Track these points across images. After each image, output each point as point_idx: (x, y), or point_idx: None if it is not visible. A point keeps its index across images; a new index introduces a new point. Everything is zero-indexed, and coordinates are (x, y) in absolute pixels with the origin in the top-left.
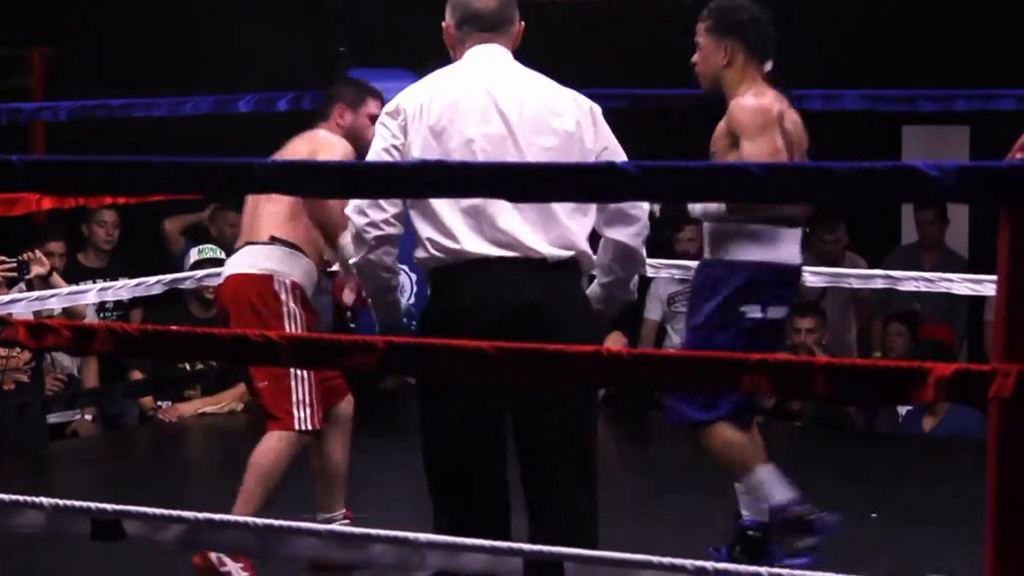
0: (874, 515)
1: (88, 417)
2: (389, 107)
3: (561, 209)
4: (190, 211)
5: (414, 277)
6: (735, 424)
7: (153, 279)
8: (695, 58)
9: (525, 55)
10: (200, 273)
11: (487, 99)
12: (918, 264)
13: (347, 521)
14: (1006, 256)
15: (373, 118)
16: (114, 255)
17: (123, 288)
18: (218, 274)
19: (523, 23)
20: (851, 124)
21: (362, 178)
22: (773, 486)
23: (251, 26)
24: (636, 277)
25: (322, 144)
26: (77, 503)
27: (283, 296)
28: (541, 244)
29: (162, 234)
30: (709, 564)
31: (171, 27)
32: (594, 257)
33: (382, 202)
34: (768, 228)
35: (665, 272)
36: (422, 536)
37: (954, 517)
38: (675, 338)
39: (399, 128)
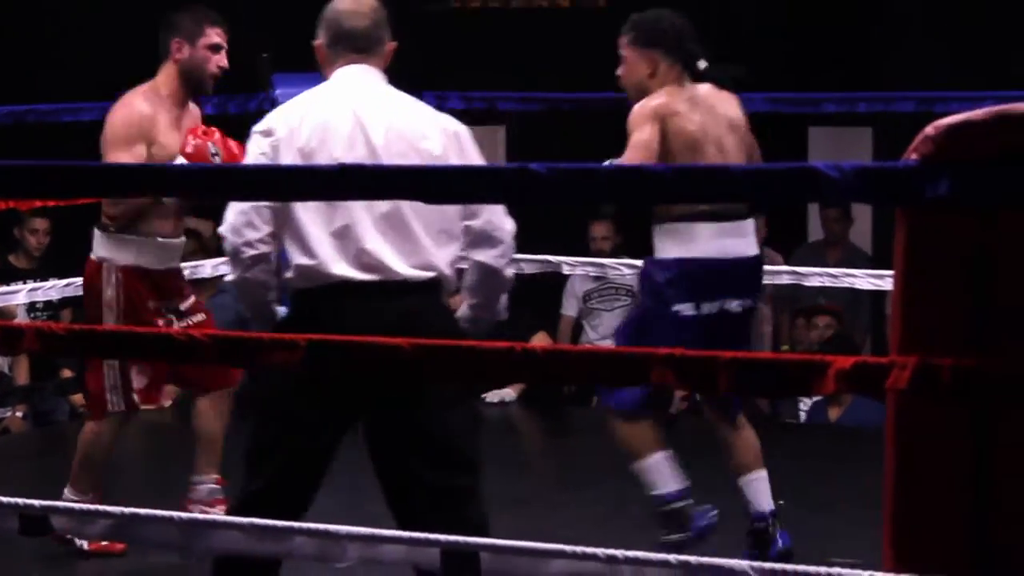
0: (781, 502)
1: (19, 414)
2: (262, 126)
3: (424, 232)
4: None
5: None
6: (649, 411)
7: (81, 280)
8: (620, 71)
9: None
10: None
11: (354, 122)
12: (824, 260)
13: (218, 487)
14: (902, 253)
15: (213, 47)
16: (44, 257)
17: (53, 288)
18: None
19: (394, 43)
20: (760, 126)
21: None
22: (658, 476)
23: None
24: (504, 297)
25: (112, 114)
26: (5, 499)
27: (104, 284)
28: (403, 267)
29: (58, 243)
30: (619, 552)
31: (91, 33)
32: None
33: (256, 221)
34: (684, 224)
35: (580, 269)
36: (342, 528)
37: (857, 503)
38: (591, 334)
39: (270, 147)
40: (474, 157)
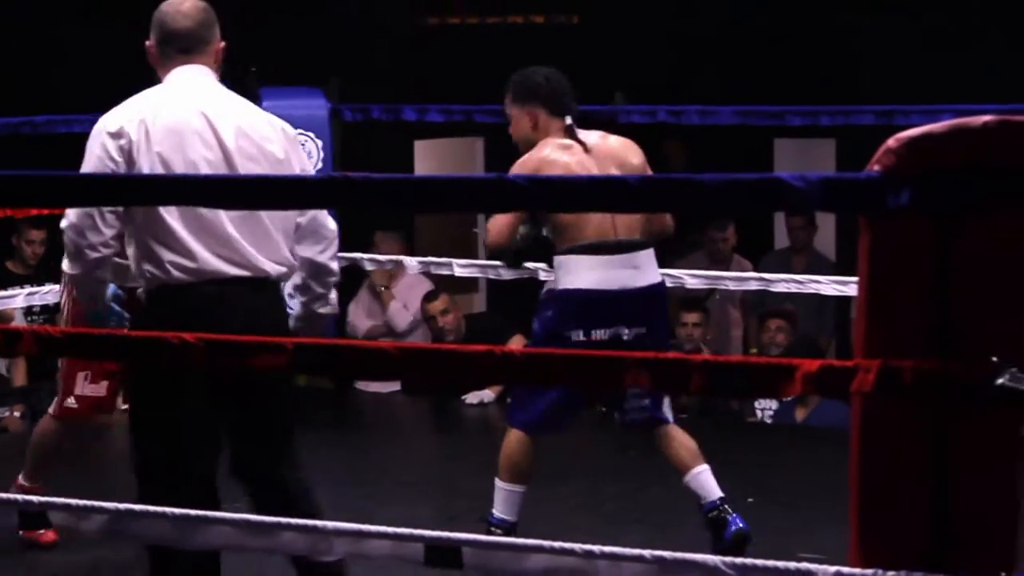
0: (750, 500)
1: (17, 414)
2: (111, 127)
3: (275, 229)
4: None
5: None
6: (536, 432)
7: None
8: (510, 129)
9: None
10: None
11: (204, 123)
12: (789, 267)
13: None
14: (865, 260)
15: None
16: (41, 263)
17: (49, 293)
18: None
19: (224, 43)
20: (727, 138)
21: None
22: (506, 503)
23: None
24: (334, 292)
25: None
26: (5, 495)
27: (63, 296)
28: (265, 262)
29: (53, 249)
30: (596, 548)
31: (92, 52)
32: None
33: (100, 224)
34: (569, 258)
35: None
36: (330, 524)
37: (823, 501)
38: None
39: (119, 150)
40: (305, 159)
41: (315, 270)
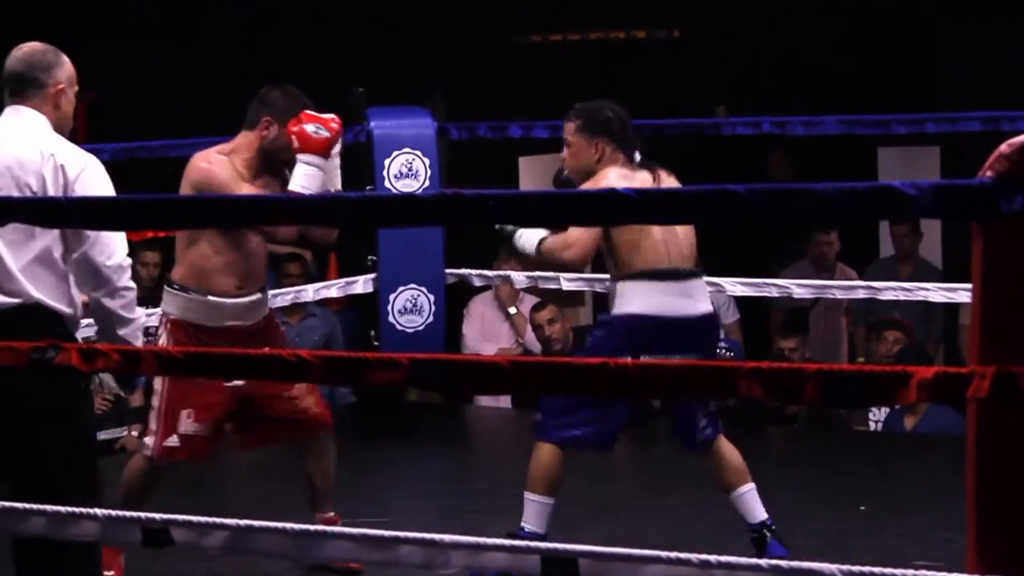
0: (862, 508)
1: (135, 433)
2: None
3: (12, 258)
4: None
5: (432, 297)
6: (577, 448)
7: None
8: (565, 154)
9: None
10: None
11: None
12: (896, 275)
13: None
14: (979, 266)
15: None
16: (158, 284)
17: (153, 316)
18: None
19: (61, 86)
20: (831, 147)
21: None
22: (537, 516)
23: (271, 72)
24: (130, 330)
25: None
26: (128, 513)
27: (161, 331)
28: None
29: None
30: (712, 557)
31: (197, 75)
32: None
33: None
34: (625, 284)
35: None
36: (447, 537)
37: (935, 508)
38: None
39: None
40: (82, 188)
41: (95, 309)
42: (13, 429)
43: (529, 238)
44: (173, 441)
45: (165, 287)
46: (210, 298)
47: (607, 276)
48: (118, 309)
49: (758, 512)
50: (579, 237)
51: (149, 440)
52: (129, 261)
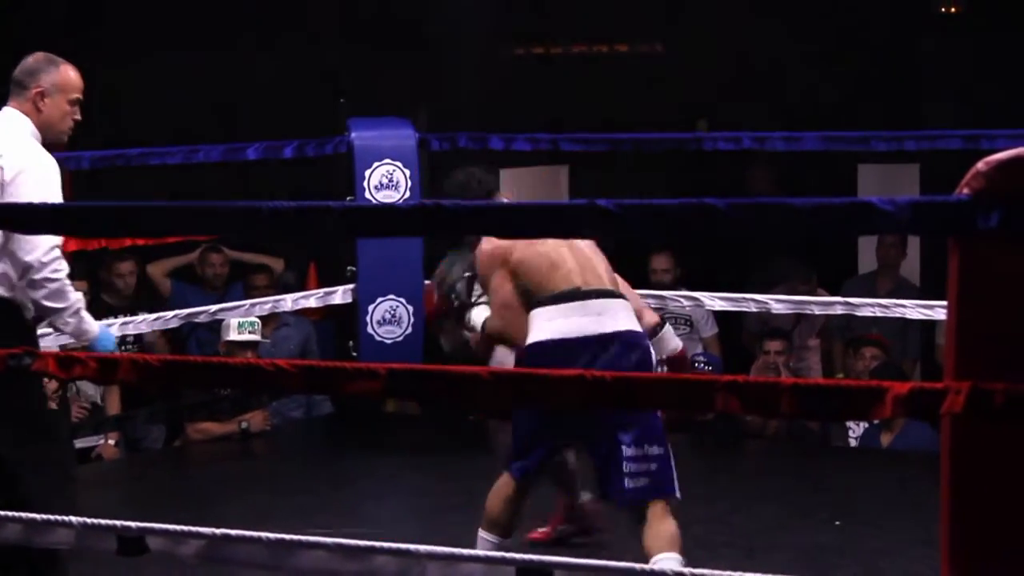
0: (838, 523)
1: (112, 442)
2: None
3: None
4: (176, 254)
5: (411, 309)
6: (524, 483)
7: (170, 314)
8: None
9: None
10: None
11: None
12: (874, 292)
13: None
14: (955, 282)
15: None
16: (136, 293)
17: (143, 323)
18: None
19: (40, 89)
20: (812, 163)
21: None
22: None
23: (255, 82)
24: (76, 321)
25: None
26: (104, 521)
27: None
28: None
29: (147, 279)
30: (688, 570)
31: (185, 85)
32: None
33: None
34: (535, 312)
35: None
36: (422, 548)
37: (911, 524)
38: None
39: None
40: (17, 192)
41: (34, 304)
42: None
43: (476, 319)
44: None
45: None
46: None
47: None
48: (42, 300)
49: None
50: (495, 305)
51: None
52: (55, 254)
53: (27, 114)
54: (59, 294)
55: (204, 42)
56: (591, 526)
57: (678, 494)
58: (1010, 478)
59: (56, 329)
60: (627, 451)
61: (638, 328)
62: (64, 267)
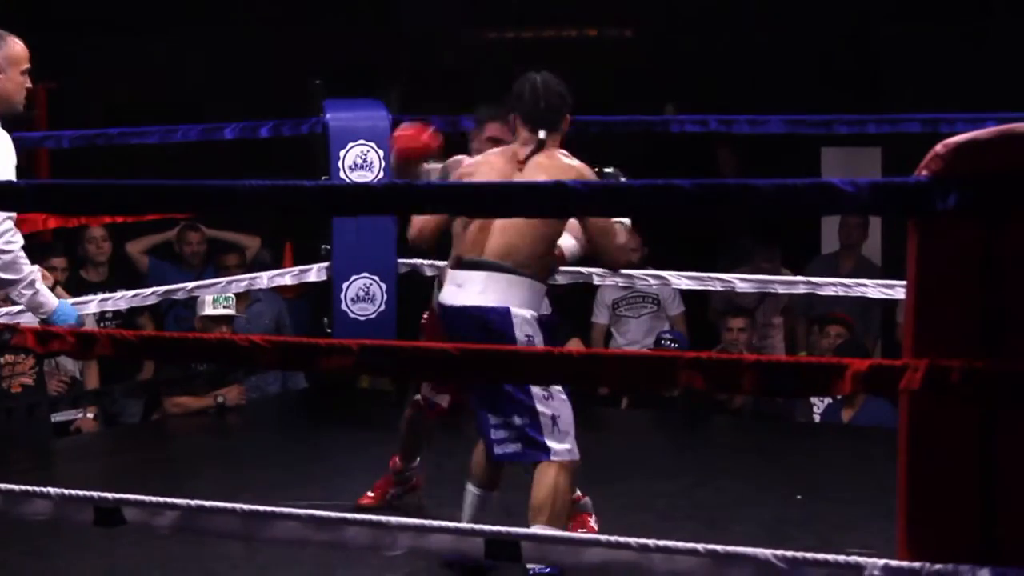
0: (799, 496)
1: (90, 415)
2: None
3: None
4: (155, 232)
5: (384, 286)
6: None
7: (148, 291)
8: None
9: None
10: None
11: None
12: (836, 271)
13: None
14: (913, 261)
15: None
16: (113, 270)
17: (122, 299)
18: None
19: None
20: (776, 146)
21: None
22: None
23: (234, 63)
24: (32, 295)
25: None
26: (81, 492)
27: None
28: None
29: (126, 256)
30: (651, 541)
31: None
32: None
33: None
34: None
35: (610, 280)
36: (393, 519)
37: (870, 498)
38: (619, 340)
39: None
40: None
41: None
42: None
43: None
44: None
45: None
46: None
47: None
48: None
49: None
50: (423, 218)
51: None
52: (6, 226)
53: None
54: (11, 266)
55: (179, 23)
56: (418, 487)
57: (553, 457)
58: (964, 453)
59: (11, 302)
60: (492, 419)
61: (493, 304)
62: (18, 240)
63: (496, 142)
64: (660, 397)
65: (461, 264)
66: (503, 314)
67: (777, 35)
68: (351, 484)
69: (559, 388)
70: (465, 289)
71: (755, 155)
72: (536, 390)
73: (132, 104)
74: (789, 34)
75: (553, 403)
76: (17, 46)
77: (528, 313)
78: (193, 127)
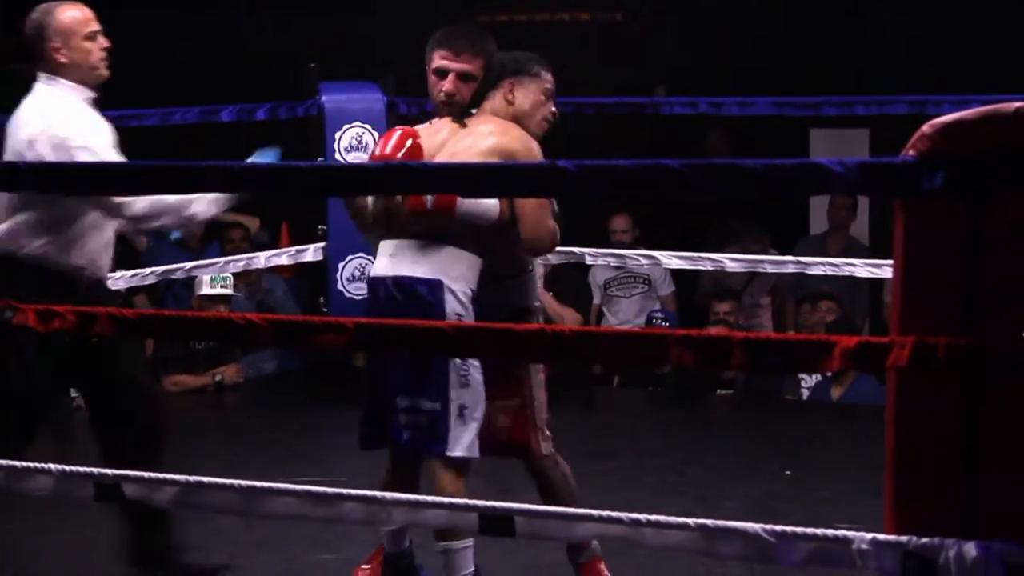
0: (788, 472)
1: None
2: None
3: None
4: None
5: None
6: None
7: (147, 271)
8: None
9: None
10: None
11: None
12: (825, 251)
13: None
14: (900, 240)
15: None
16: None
17: (121, 279)
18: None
19: (50, 44)
20: (765, 127)
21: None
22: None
23: (229, 44)
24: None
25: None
26: (82, 469)
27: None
28: None
29: (125, 237)
30: (643, 516)
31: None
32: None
33: None
34: None
35: (601, 260)
36: (388, 495)
37: (858, 473)
38: (611, 319)
39: None
40: (37, 154)
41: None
42: None
43: None
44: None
45: None
46: None
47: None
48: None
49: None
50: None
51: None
52: (140, 207)
53: (53, 74)
54: (162, 212)
55: (177, 6)
56: None
57: (454, 454)
58: (950, 429)
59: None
60: (401, 402)
61: (425, 274)
62: (141, 201)
63: (441, 74)
64: (651, 375)
65: (403, 235)
66: (435, 287)
67: (767, 18)
68: (348, 461)
69: (479, 380)
70: (397, 259)
71: (744, 137)
72: (454, 376)
73: (128, 86)
74: (779, 16)
75: (467, 393)
76: (66, 16)
77: (461, 288)
78: (191, 109)
